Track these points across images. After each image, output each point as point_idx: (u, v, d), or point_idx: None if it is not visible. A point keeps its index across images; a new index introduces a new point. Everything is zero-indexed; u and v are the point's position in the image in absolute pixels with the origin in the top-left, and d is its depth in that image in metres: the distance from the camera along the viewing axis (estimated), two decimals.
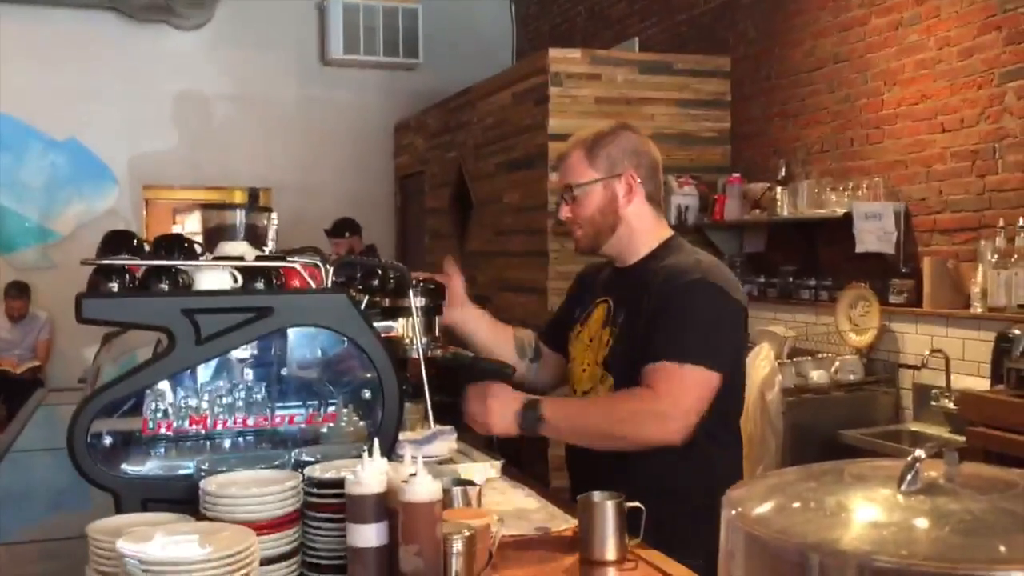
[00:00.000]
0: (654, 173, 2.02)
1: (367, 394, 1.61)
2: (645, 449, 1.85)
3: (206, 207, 1.87)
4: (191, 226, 8.60)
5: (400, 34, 7.31)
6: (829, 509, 0.69)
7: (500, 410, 1.87)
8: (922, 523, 0.65)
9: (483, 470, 1.93)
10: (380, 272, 2.01)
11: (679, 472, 1.88)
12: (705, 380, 1.83)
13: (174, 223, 9.11)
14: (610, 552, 1.60)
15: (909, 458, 0.69)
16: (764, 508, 0.72)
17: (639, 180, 1.98)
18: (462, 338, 2.20)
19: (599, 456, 1.93)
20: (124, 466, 1.52)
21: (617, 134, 2.00)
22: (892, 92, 4.05)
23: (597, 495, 1.64)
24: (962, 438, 3.19)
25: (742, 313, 1.96)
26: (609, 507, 1.61)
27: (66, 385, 4.69)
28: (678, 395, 1.81)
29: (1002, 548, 0.62)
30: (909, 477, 0.68)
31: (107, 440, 1.50)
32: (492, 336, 2.22)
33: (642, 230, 2.00)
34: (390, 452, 1.57)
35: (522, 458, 2.21)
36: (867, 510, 0.68)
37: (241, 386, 1.61)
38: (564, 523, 1.77)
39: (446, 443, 1.91)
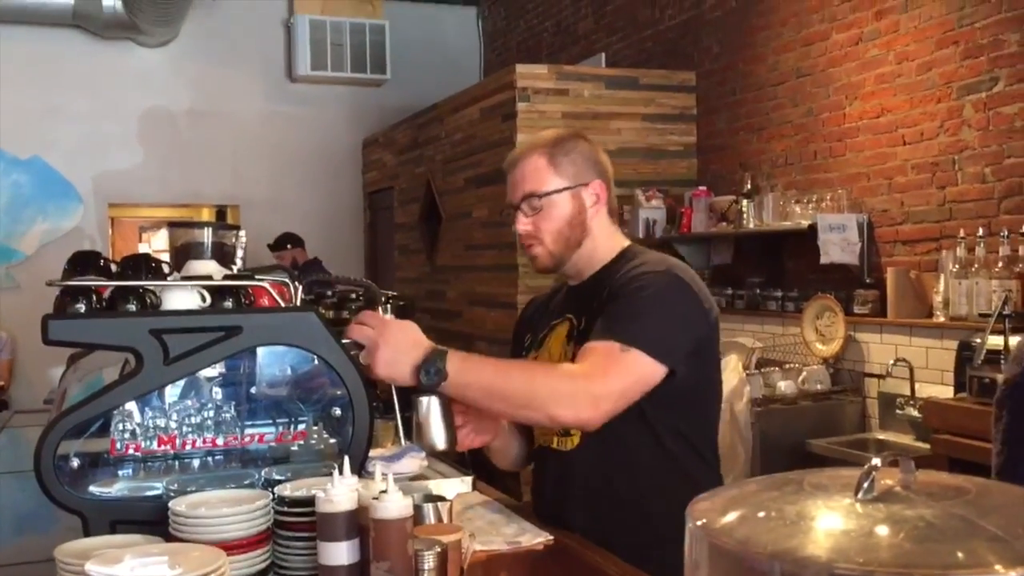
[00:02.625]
0: (610, 184, 1.92)
1: (337, 411, 1.61)
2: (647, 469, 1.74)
3: (173, 225, 1.87)
4: (158, 244, 8.53)
5: (367, 50, 7.32)
6: (790, 518, 0.71)
7: (392, 355, 1.59)
8: (878, 530, 0.67)
9: (454, 485, 1.94)
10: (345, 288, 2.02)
11: (662, 493, 1.73)
12: (647, 370, 1.66)
13: (140, 241, 9.03)
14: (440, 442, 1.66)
15: (866, 467, 0.71)
16: (727, 519, 0.73)
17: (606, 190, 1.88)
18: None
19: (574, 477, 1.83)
20: (92, 488, 1.51)
21: (577, 141, 1.89)
22: (853, 106, 4.12)
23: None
24: (927, 446, 3.24)
25: (707, 316, 1.78)
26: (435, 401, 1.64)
27: (31, 407, 4.63)
28: (612, 376, 1.63)
29: (960, 554, 0.64)
30: (865, 485, 0.71)
31: (74, 462, 1.49)
32: (505, 442, 2.00)
33: (603, 243, 1.89)
34: (360, 469, 1.57)
35: (494, 473, 2.21)
36: (826, 518, 0.69)
37: (210, 405, 1.60)
38: (536, 537, 1.78)
39: (416, 459, 1.92)
